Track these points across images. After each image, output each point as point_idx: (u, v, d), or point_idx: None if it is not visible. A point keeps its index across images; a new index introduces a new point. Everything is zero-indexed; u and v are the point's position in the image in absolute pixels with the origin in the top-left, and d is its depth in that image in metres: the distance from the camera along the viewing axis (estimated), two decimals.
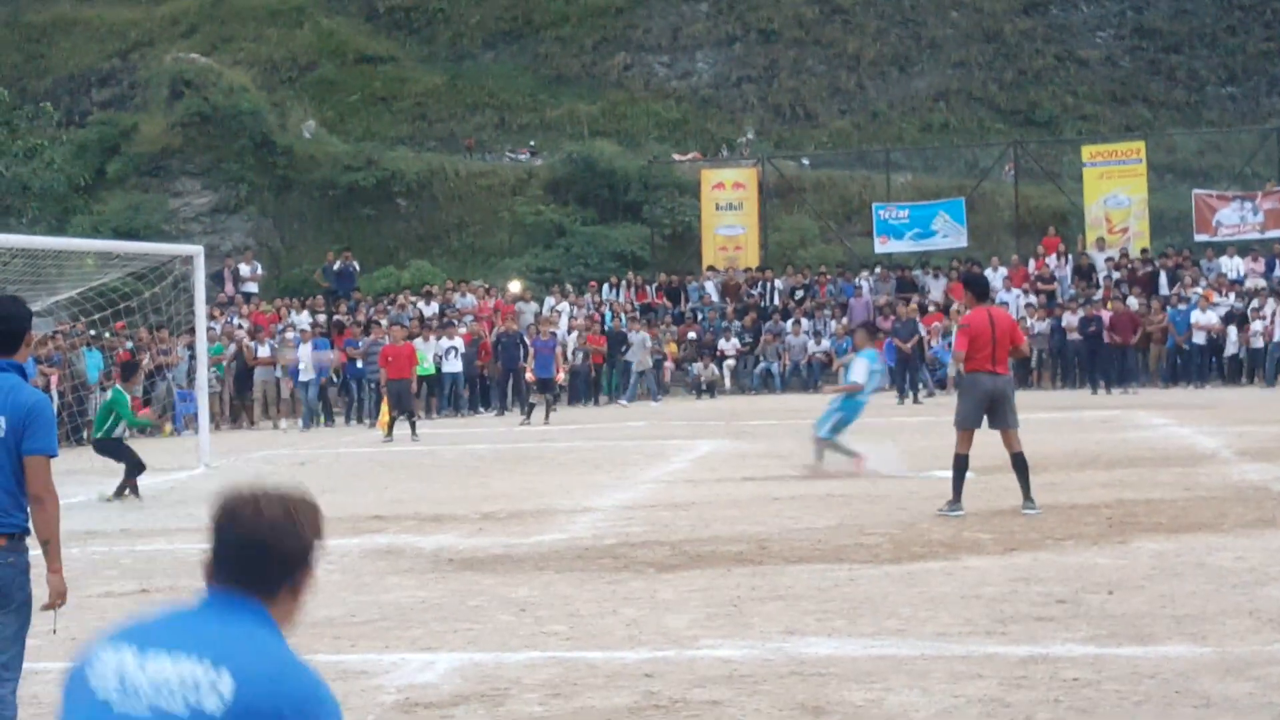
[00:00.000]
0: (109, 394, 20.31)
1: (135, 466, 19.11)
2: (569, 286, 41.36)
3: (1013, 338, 15.14)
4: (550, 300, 39.93)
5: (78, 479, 21.18)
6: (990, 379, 14.82)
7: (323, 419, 34.09)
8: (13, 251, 21.54)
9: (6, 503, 6.62)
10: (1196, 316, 34.95)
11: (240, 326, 35.86)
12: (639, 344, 36.60)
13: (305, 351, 33.25)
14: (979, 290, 15.79)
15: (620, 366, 37.52)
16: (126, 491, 18.96)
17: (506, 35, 55.11)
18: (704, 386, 37.60)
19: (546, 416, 30.70)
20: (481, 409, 35.95)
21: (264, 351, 34.54)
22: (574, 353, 37.00)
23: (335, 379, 34.74)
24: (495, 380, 36.03)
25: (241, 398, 34.74)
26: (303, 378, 33.29)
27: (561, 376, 33.94)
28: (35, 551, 6.71)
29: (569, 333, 37.37)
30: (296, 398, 34.16)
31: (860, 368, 19.27)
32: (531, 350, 32.24)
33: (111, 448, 19.42)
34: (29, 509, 6.68)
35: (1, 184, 39.93)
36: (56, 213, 43.52)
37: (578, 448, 24.65)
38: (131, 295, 27.61)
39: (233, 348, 34.36)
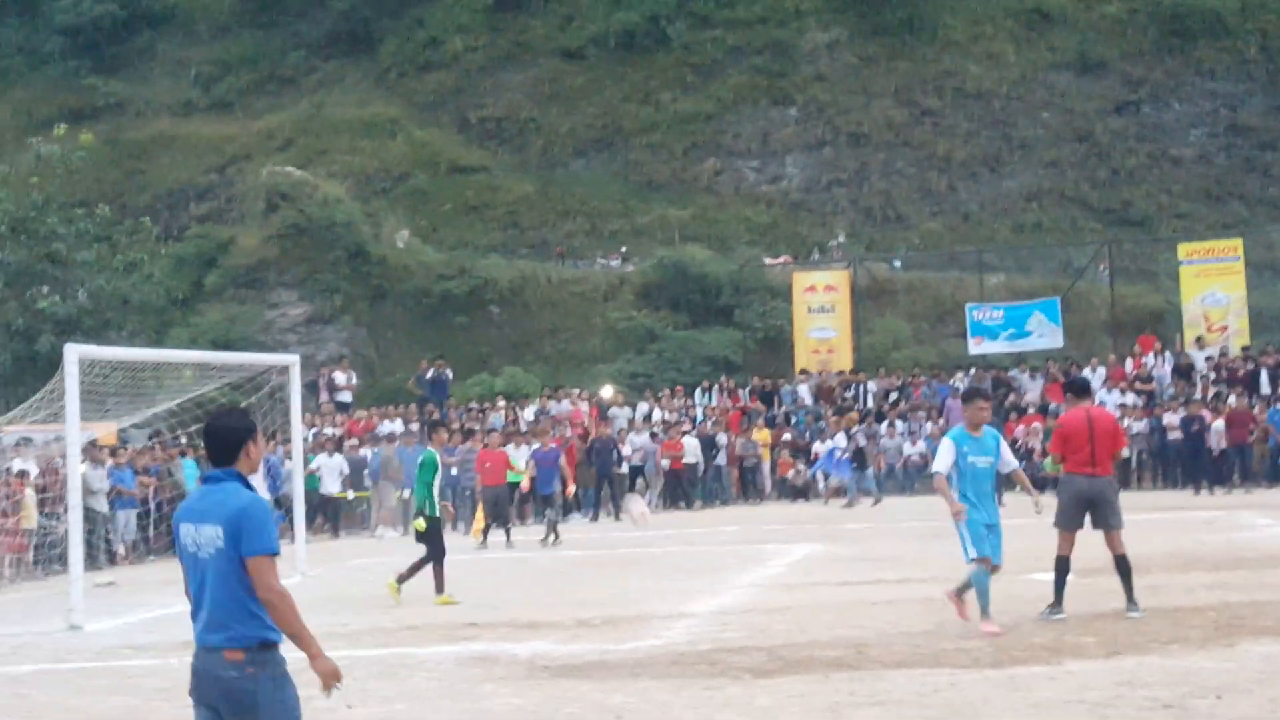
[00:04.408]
0: (421, 456, 19.68)
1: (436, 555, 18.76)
2: (666, 390, 41.23)
3: (1114, 440, 14.91)
4: (644, 406, 39.86)
5: (177, 588, 21.30)
6: (1087, 480, 14.61)
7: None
8: (113, 364, 21.80)
9: (238, 614, 6.70)
10: None
11: (329, 436, 35.85)
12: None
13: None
14: (1077, 390, 15.59)
15: (712, 472, 37.37)
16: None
17: (597, 143, 55.56)
18: (799, 490, 37.36)
19: (548, 536, 27.42)
20: (576, 514, 35.75)
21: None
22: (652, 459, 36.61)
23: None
24: (588, 486, 35.73)
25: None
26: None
27: (571, 490, 30.85)
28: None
29: (657, 437, 37.11)
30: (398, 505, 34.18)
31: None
32: (531, 461, 29.11)
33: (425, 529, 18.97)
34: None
35: (102, 298, 40.55)
36: (155, 325, 44.16)
37: (673, 552, 24.52)
38: (230, 406, 27.85)
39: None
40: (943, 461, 14.28)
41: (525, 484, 29.45)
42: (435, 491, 18.98)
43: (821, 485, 36.83)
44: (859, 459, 35.43)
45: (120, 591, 22.62)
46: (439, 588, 18.65)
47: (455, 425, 36.76)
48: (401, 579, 18.74)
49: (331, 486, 33.59)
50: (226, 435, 6.99)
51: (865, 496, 34.92)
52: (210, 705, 6.74)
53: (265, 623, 6.72)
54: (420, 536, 18.94)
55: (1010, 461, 14.61)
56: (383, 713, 11.32)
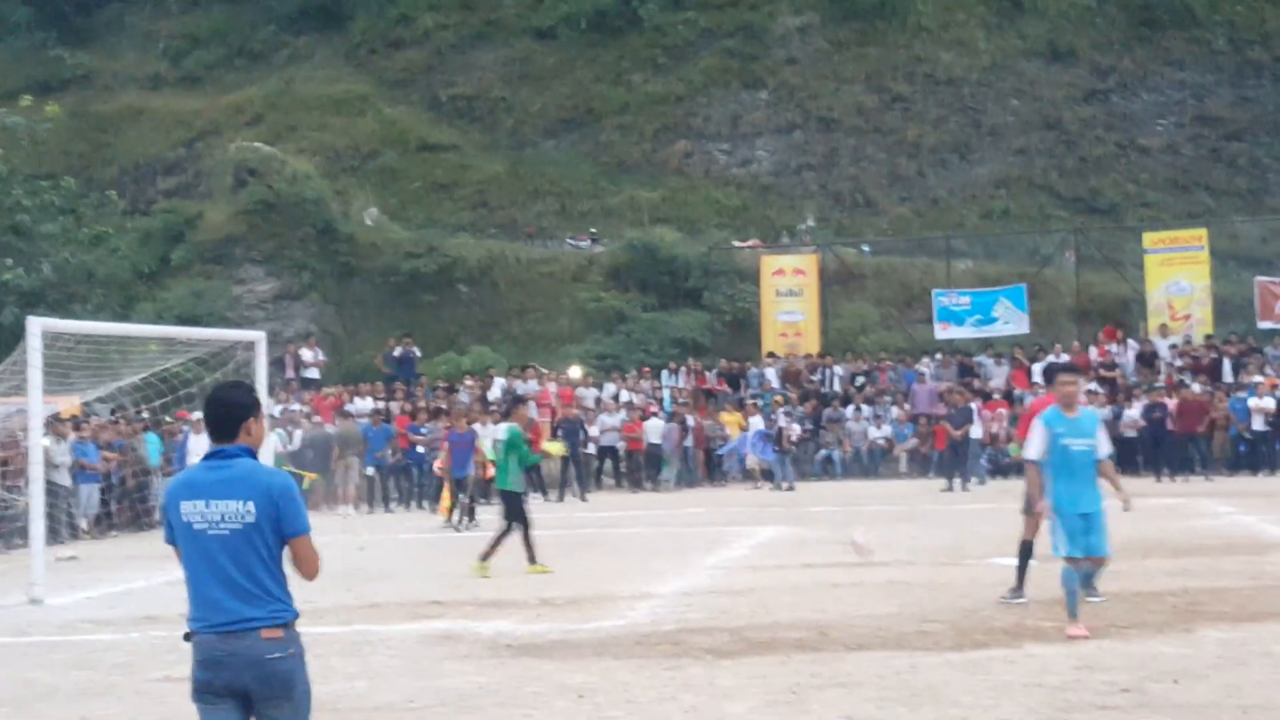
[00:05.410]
0: (504, 434, 20.03)
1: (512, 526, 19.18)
2: (633, 371, 41.24)
3: None
4: (611, 386, 39.86)
5: (140, 564, 21.33)
6: None
7: (384, 504, 34.12)
8: (78, 337, 21.71)
9: (274, 590, 6.60)
10: (1253, 402, 34.61)
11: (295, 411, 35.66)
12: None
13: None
14: (1050, 378, 15.71)
15: (681, 452, 37.41)
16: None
17: (567, 123, 55.44)
18: (764, 473, 37.39)
19: (463, 519, 27.38)
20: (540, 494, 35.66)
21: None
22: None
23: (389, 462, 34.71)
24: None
25: None
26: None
27: (490, 472, 28.46)
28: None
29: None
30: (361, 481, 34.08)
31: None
32: (446, 447, 28.95)
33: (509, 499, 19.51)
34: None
35: (67, 271, 40.34)
36: (121, 299, 43.89)
37: (638, 534, 24.56)
38: (194, 381, 27.77)
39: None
40: (1034, 448, 13.24)
41: (438, 470, 29.37)
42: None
43: (732, 467, 37.25)
44: (777, 442, 35.51)
45: (82, 566, 22.57)
46: (531, 557, 19.10)
47: (423, 404, 36.79)
48: (483, 555, 19.09)
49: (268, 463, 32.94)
50: (229, 410, 6.81)
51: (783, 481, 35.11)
52: (238, 692, 6.53)
53: (291, 598, 6.67)
54: (506, 509, 19.49)
55: (1103, 447, 13.43)
56: (344, 690, 11.32)
